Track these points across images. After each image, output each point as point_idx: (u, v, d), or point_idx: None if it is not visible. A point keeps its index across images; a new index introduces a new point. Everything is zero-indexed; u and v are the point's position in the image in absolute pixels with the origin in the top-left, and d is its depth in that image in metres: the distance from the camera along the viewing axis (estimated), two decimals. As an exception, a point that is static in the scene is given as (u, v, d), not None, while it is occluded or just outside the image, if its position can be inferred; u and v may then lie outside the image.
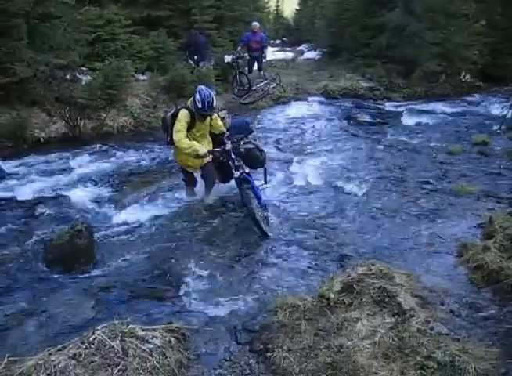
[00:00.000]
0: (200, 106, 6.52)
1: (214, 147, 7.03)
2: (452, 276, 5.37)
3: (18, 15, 10.78)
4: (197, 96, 6.52)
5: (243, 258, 5.87)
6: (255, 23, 16.34)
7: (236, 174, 6.56)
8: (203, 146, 6.76)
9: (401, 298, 4.29)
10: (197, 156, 6.59)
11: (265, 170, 7.40)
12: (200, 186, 7.65)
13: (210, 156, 6.75)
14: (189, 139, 6.69)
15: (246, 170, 6.63)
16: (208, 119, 6.96)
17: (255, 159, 7.22)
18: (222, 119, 7.47)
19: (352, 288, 4.44)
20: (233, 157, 6.65)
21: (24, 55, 10.93)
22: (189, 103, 6.79)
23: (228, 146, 6.68)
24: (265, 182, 7.35)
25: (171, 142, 6.85)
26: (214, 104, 6.65)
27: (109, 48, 14.96)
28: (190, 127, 6.74)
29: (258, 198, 6.60)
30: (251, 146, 7.19)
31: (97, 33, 14.97)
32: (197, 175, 7.47)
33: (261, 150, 7.35)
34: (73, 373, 3.37)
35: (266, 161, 7.56)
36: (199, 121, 6.80)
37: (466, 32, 17.80)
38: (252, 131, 7.39)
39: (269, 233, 6.41)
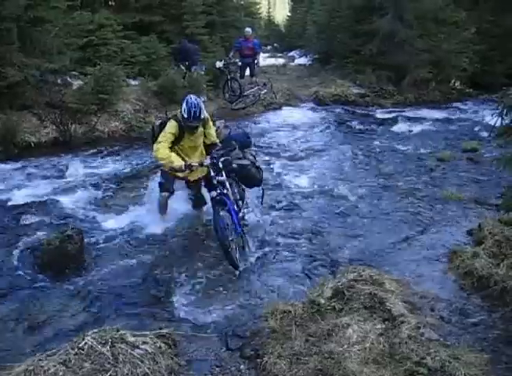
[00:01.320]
0: (185, 116, 5.90)
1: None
2: (442, 282, 5.40)
3: (9, 19, 10.73)
4: (184, 105, 5.92)
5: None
6: (248, 30, 16.37)
7: (213, 193, 5.91)
8: (185, 160, 6.11)
9: (391, 303, 4.32)
10: (173, 169, 5.96)
11: (263, 190, 7.06)
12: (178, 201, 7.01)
13: (188, 170, 6.00)
14: (177, 153, 6.13)
15: (224, 190, 5.95)
16: (200, 129, 6.30)
17: (250, 177, 6.66)
18: (217, 129, 6.92)
19: (343, 294, 4.46)
20: (213, 174, 5.95)
21: (15, 59, 10.89)
22: (179, 113, 6.17)
23: (207, 161, 6.06)
24: (261, 203, 7.09)
25: None
26: (202, 115, 6.01)
27: (101, 53, 14.97)
28: (179, 139, 6.14)
29: (235, 224, 5.88)
30: (246, 161, 6.61)
31: (88, 37, 14.97)
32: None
33: (258, 168, 6.79)
34: (63, 379, 3.36)
35: (262, 180, 6.97)
36: (188, 132, 6.16)
37: (456, 39, 17.90)
38: (249, 146, 6.99)
39: (240, 266, 5.64)
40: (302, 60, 27.03)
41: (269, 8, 49.00)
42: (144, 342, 3.84)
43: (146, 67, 16.25)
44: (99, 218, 7.18)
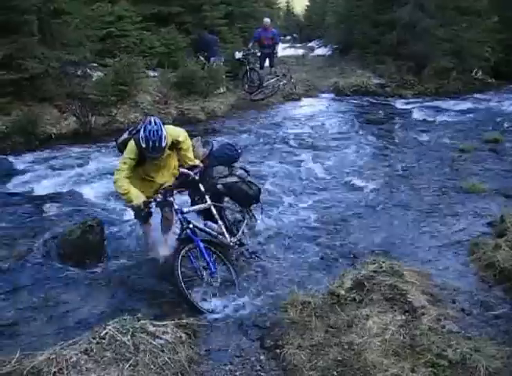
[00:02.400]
0: (143, 145, 4.81)
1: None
2: (463, 274, 5.35)
3: (30, 11, 10.81)
4: (141, 133, 4.81)
5: (254, 254, 5.85)
6: (267, 20, 16.31)
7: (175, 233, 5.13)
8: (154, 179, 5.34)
9: (412, 295, 4.29)
10: (131, 206, 5.04)
11: (261, 206, 6.16)
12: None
13: (146, 209, 5.06)
14: (141, 176, 5.28)
15: (190, 225, 5.01)
16: (167, 152, 5.17)
17: (241, 194, 5.74)
18: (193, 149, 5.68)
19: (363, 285, 4.44)
20: (177, 207, 5.07)
21: (36, 51, 10.97)
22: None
23: (159, 197, 5.14)
24: (258, 220, 6.31)
25: None
26: (164, 144, 4.86)
27: (121, 45, 14.97)
28: (141, 162, 5.13)
29: (208, 263, 4.94)
30: (234, 178, 5.72)
31: (108, 29, 14.98)
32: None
33: (249, 182, 5.87)
34: (84, 368, 3.40)
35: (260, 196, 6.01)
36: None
37: (478, 28, 17.64)
38: (236, 160, 6.04)
39: (204, 310, 4.70)
40: (321, 51, 26.79)
41: (288, -2, 48.63)
42: (164, 332, 3.87)
43: (165, 58, 16.22)
44: (120, 209, 7.21)
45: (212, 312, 4.66)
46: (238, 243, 5.57)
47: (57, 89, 11.66)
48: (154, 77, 14.96)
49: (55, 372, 3.32)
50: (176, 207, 5.06)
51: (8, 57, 10.68)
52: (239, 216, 6.02)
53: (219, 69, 14.99)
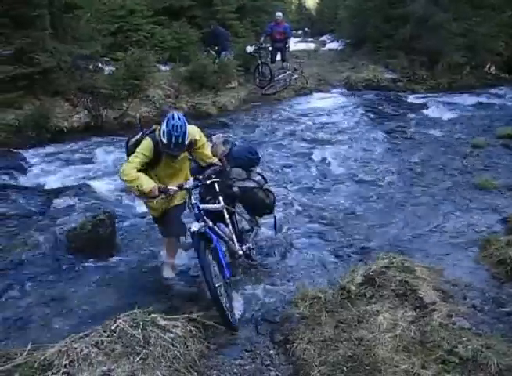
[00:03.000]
0: (164, 141, 4.50)
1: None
2: (475, 270, 5.32)
3: (42, 5, 10.85)
4: (163, 127, 4.48)
5: (264, 249, 5.85)
6: (279, 14, 16.25)
7: (194, 227, 4.47)
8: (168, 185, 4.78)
9: (422, 291, 4.27)
10: (144, 194, 4.60)
11: (275, 218, 5.64)
12: None
13: (162, 196, 4.60)
14: (152, 179, 4.72)
15: (210, 223, 4.65)
16: (184, 154, 4.92)
17: (257, 202, 5.32)
18: (213, 146, 5.36)
19: (373, 281, 4.43)
20: (194, 202, 4.63)
21: (48, 45, 11.02)
22: (158, 130, 4.70)
23: (189, 183, 4.72)
24: (275, 233, 5.87)
25: None
26: (187, 141, 4.57)
27: (132, 39, 15.03)
28: (154, 164, 4.81)
29: (222, 267, 4.52)
30: (251, 183, 5.30)
31: (120, 23, 15.05)
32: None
33: (267, 190, 5.44)
34: (95, 360, 3.41)
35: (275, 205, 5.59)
36: (168, 157, 4.80)
37: (492, 23, 17.45)
38: (256, 164, 5.59)
39: (236, 323, 4.42)
40: (333, 45, 26.67)
41: (300, -8, 48.42)
42: (175, 326, 3.89)
43: (176, 53, 16.27)
44: (131, 203, 7.23)
45: (235, 330, 4.37)
46: (246, 254, 5.22)
47: (69, 83, 11.70)
48: (165, 71, 15.01)
49: (66, 364, 3.34)
50: (194, 201, 4.67)
51: (20, 51, 10.75)
52: (247, 225, 5.55)
53: (230, 63, 14.97)
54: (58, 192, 7.66)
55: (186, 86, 14.07)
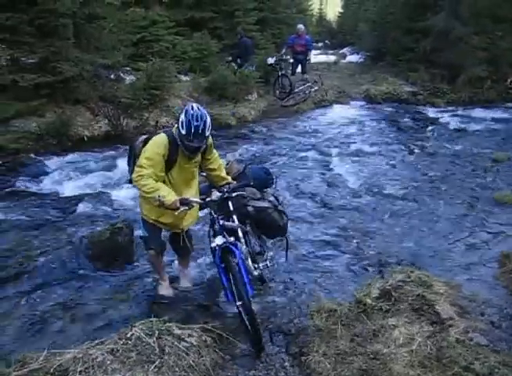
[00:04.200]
0: (183, 131, 4.16)
1: None
2: (493, 286, 5.26)
3: (65, 15, 11.02)
4: (182, 117, 4.20)
5: (280, 260, 5.84)
6: (300, 26, 16.32)
7: (218, 241, 4.33)
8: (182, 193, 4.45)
9: (440, 306, 4.22)
10: (163, 205, 4.15)
11: (287, 241, 5.32)
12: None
13: (184, 208, 4.20)
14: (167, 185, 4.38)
15: (231, 239, 4.39)
16: (198, 158, 4.58)
17: (271, 223, 5.06)
18: (227, 164, 5.31)
19: (390, 295, 4.39)
20: (215, 215, 4.47)
21: (70, 54, 11.17)
22: (175, 128, 4.39)
23: (214, 195, 4.56)
24: (286, 259, 5.47)
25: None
26: (208, 132, 4.26)
27: (153, 49, 15.21)
28: (169, 166, 4.38)
29: (244, 284, 4.16)
30: (266, 203, 5.07)
31: (141, 34, 15.25)
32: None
33: (281, 211, 5.15)
34: (110, 368, 3.42)
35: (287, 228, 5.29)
36: (184, 157, 4.41)
37: (513, 37, 17.37)
38: (270, 186, 5.54)
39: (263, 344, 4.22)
40: (354, 57, 26.70)
41: (321, 4, 48.61)
42: (190, 335, 3.88)
43: (197, 63, 16.41)
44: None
45: (263, 349, 4.19)
46: (260, 275, 4.94)
47: (90, 92, 11.84)
48: (186, 81, 15.12)
49: (81, 371, 3.35)
50: (215, 215, 4.46)
51: (43, 60, 10.93)
52: (257, 247, 5.15)
53: (250, 74, 15.05)
54: (77, 199, 7.73)
55: (206, 96, 14.17)
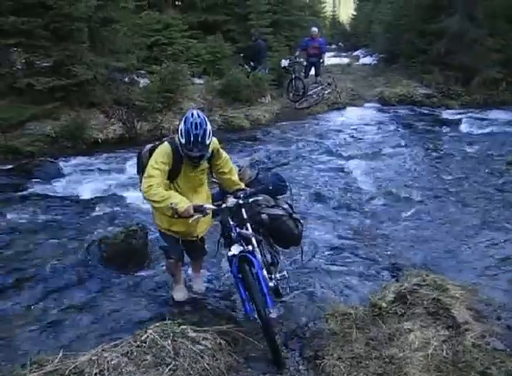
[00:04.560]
0: (182, 141, 4.04)
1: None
2: (509, 290, 5.21)
3: (80, 19, 11.12)
4: (181, 126, 4.06)
5: (295, 264, 5.83)
6: (314, 29, 16.32)
7: (235, 250, 4.15)
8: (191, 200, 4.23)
9: (455, 310, 4.19)
10: (177, 214, 3.96)
11: (302, 250, 5.17)
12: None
13: (198, 215, 4.04)
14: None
15: (250, 247, 4.18)
16: (204, 165, 4.44)
17: (285, 232, 4.74)
18: (240, 170, 5.03)
19: (405, 298, 4.36)
20: (232, 223, 4.26)
21: (85, 58, 11.28)
22: (176, 136, 4.24)
23: (230, 202, 4.30)
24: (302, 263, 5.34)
25: None
26: (208, 140, 4.09)
27: (167, 52, 15.29)
28: (174, 174, 4.29)
29: (264, 295, 4.06)
30: (280, 211, 4.75)
31: (155, 37, 15.33)
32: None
33: (297, 220, 4.83)
34: (125, 370, 3.43)
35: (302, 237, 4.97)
36: (188, 165, 4.28)
37: (528, 38, 17.23)
38: (285, 191, 5.20)
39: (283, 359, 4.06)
40: (367, 60, 26.67)
41: (334, 6, 48.63)
42: (204, 338, 3.88)
43: (210, 66, 16.47)
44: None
45: (284, 366, 4.03)
46: (275, 288, 4.65)
47: (104, 95, 11.93)
48: (199, 84, 15.18)
49: (96, 373, 3.37)
50: (232, 223, 4.25)
51: (58, 63, 11.02)
52: (269, 257, 4.85)
53: (264, 77, 15.07)
54: (92, 202, 7.79)
55: (220, 99, 14.22)
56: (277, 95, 16.21)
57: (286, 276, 4.64)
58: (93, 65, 11.39)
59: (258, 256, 4.28)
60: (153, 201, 4.04)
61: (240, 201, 4.28)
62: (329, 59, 25.34)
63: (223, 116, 13.37)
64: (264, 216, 4.63)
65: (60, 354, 3.60)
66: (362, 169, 9.54)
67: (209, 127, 4.07)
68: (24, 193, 8.22)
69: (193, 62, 16.08)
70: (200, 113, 4.10)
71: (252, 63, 15.70)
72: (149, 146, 4.49)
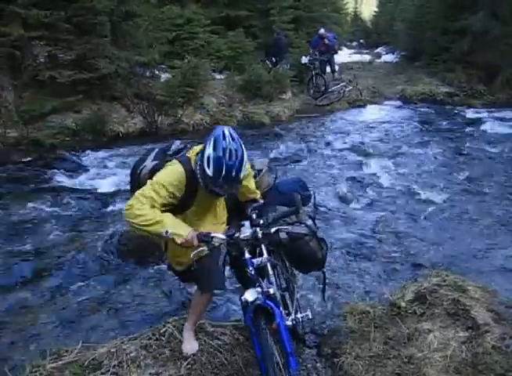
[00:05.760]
0: (209, 173, 3.02)
1: (232, 220, 3.76)
2: (531, 292, 5.14)
3: (103, 13, 11.19)
4: (209, 150, 3.02)
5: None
6: (322, 31, 16.21)
7: (250, 296, 3.22)
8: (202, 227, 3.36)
9: (475, 311, 4.14)
10: (173, 242, 3.08)
11: (324, 276, 4.13)
12: None
13: (203, 248, 3.11)
14: (182, 219, 3.24)
15: (271, 290, 3.28)
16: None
17: (308, 255, 3.79)
18: (255, 176, 3.98)
19: (425, 298, 4.32)
20: (247, 257, 3.31)
21: (107, 52, 11.34)
22: (194, 155, 3.27)
23: (245, 232, 3.30)
24: (323, 298, 4.39)
25: None
26: (242, 174, 3.09)
27: (188, 47, 15.30)
28: (184, 205, 3.31)
29: (287, 355, 3.14)
30: (303, 229, 3.73)
31: (177, 32, 15.34)
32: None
33: (321, 240, 3.85)
34: (143, 363, 3.46)
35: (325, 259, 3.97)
36: (205, 195, 3.27)
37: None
38: (308, 202, 4.25)
39: None
40: (389, 57, 26.48)
41: (356, 3, 48.30)
42: (222, 333, 3.89)
43: (231, 61, 16.47)
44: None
45: None
46: (292, 328, 3.67)
47: (126, 89, 12.00)
48: (220, 79, 15.19)
49: (114, 365, 3.40)
50: (247, 255, 3.33)
51: (81, 57, 11.09)
52: (284, 284, 4.02)
53: (285, 73, 15.04)
54: (112, 195, 7.84)
55: (240, 95, 14.22)
56: (298, 91, 16.17)
57: (310, 317, 3.83)
58: (115, 59, 11.47)
59: (277, 296, 3.50)
60: (137, 224, 3.08)
61: (259, 234, 3.31)
62: (350, 56, 25.30)
63: (243, 111, 13.38)
64: (282, 235, 3.61)
65: (79, 345, 3.65)
66: (382, 167, 9.49)
67: (246, 154, 3.12)
68: (45, 185, 8.29)
69: (214, 57, 16.09)
70: (234, 134, 3.10)
71: (273, 59, 15.69)
72: (150, 167, 3.49)
